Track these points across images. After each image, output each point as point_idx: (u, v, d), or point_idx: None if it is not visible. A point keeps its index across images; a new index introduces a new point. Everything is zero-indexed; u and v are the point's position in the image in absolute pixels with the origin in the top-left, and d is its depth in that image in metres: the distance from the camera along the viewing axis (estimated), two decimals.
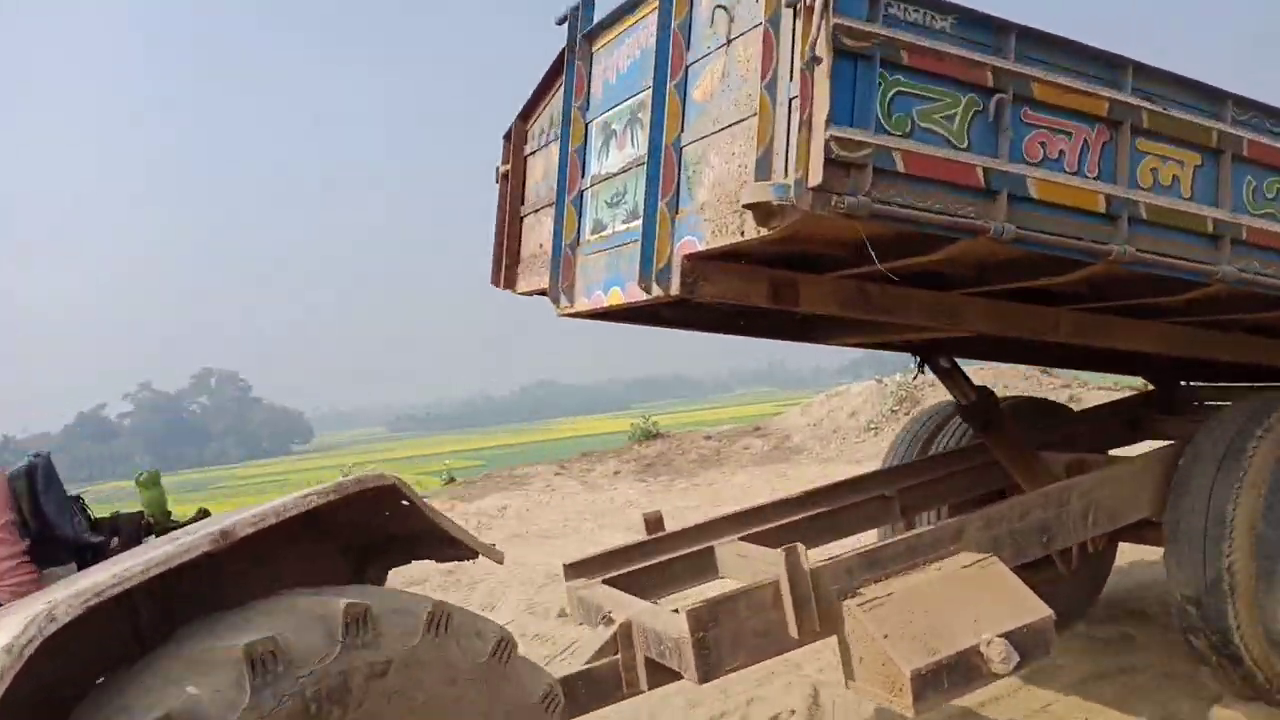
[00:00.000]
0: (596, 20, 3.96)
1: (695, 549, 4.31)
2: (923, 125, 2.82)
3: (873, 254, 2.86)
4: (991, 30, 2.95)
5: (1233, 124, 3.43)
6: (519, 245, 4.64)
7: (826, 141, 2.61)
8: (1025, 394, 9.71)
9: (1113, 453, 5.38)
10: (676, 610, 3.31)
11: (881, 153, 2.70)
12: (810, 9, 2.61)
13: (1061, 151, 3.07)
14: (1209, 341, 4.43)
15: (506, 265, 4.64)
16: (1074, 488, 4.04)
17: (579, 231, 3.98)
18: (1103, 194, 3.09)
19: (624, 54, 3.79)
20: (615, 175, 3.72)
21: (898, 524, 4.90)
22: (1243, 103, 3.47)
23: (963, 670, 3.06)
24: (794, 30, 2.69)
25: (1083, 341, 4.13)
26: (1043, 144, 3.03)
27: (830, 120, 2.62)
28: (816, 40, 2.60)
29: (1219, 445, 4.11)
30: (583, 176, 3.99)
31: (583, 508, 11.78)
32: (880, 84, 2.74)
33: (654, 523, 4.39)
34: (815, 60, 2.62)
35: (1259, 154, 3.49)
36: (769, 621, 3.22)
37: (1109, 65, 3.16)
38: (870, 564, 3.44)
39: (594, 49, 4.03)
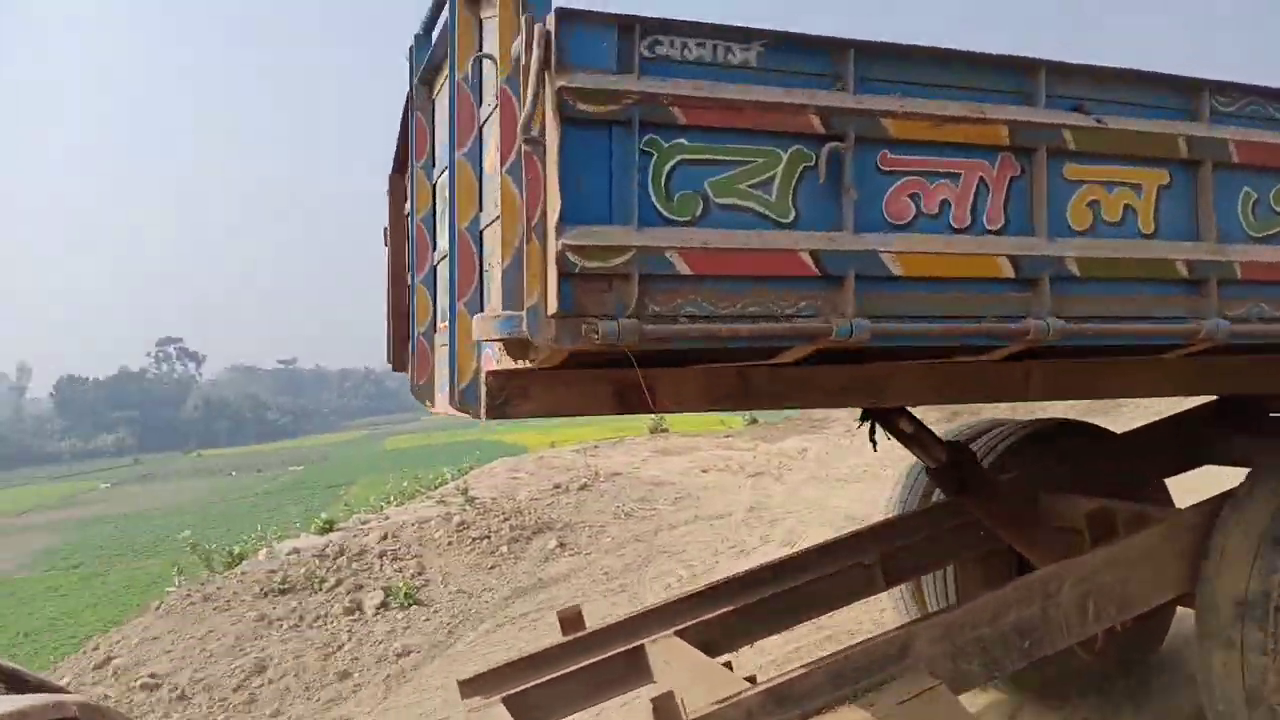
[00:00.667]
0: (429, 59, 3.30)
1: (622, 649, 3.64)
2: (723, 202, 2.08)
3: (640, 379, 2.15)
4: (821, 54, 2.16)
5: (1213, 121, 2.54)
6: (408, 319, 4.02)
7: (560, 252, 1.91)
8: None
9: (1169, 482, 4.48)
10: None
11: (650, 255, 1.98)
12: (527, 67, 1.91)
13: (945, 203, 2.26)
14: (1248, 374, 3.47)
15: (396, 341, 4.02)
16: (1065, 575, 3.17)
17: (433, 317, 3.35)
18: (1005, 255, 2.28)
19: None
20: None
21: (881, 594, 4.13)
22: (1228, 90, 2.57)
23: None
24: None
25: (1063, 398, 3.26)
26: (914, 197, 2.24)
27: (563, 221, 1.92)
28: (533, 113, 1.89)
29: (1271, 503, 3.20)
30: (433, 250, 3.35)
31: (882, 454, 11.44)
32: (652, 155, 2.02)
33: (570, 621, 3.75)
34: (534, 141, 1.91)
35: (1257, 156, 2.58)
36: None
37: (1008, 73, 2.33)
38: (779, 700, 2.71)
39: (433, 95, 3.37)
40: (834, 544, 4.21)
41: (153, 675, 6.08)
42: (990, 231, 2.29)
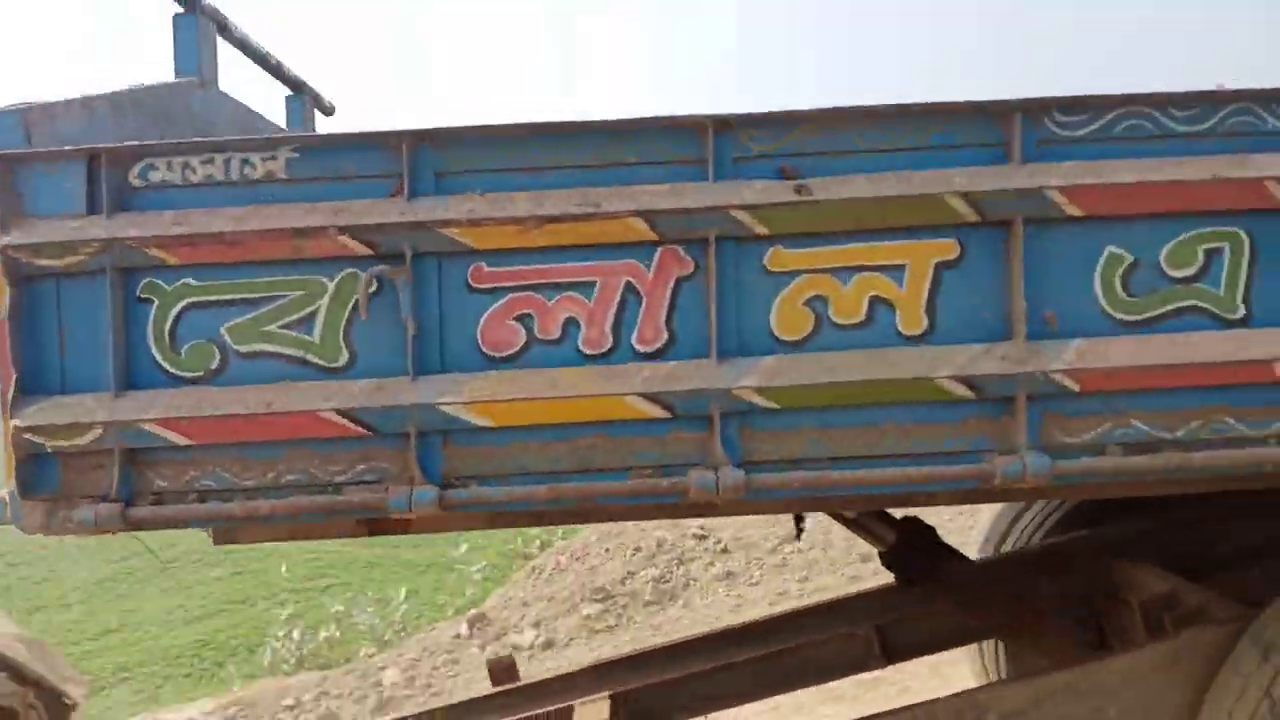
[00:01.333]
0: None
1: (549, 709, 3.32)
2: (246, 349, 1.71)
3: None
4: (368, 151, 1.70)
5: (1041, 158, 1.72)
6: None
7: (16, 432, 1.67)
8: None
9: None
10: None
11: (128, 429, 1.67)
12: None
13: (570, 323, 1.72)
14: None
15: None
16: (991, 705, 2.42)
17: None
18: (639, 394, 1.69)
19: None
20: None
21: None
22: (1082, 106, 1.73)
23: None
24: None
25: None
26: (524, 319, 1.72)
27: (20, 394, 1.66)
28: None
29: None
30: None
31: None
32: (152, 302, 1.70)
33: (502, 671, 3.46)
34: None
35: (1126, 201, 1.72)
36: None
37: (655, 138, 1.71)
38: None
39: None
40: (825, 606, 3.57)
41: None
42: (643, 355, 1.71)
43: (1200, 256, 1.74)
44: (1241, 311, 1.73)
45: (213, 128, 2.36)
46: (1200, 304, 1.74)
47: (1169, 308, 1.75)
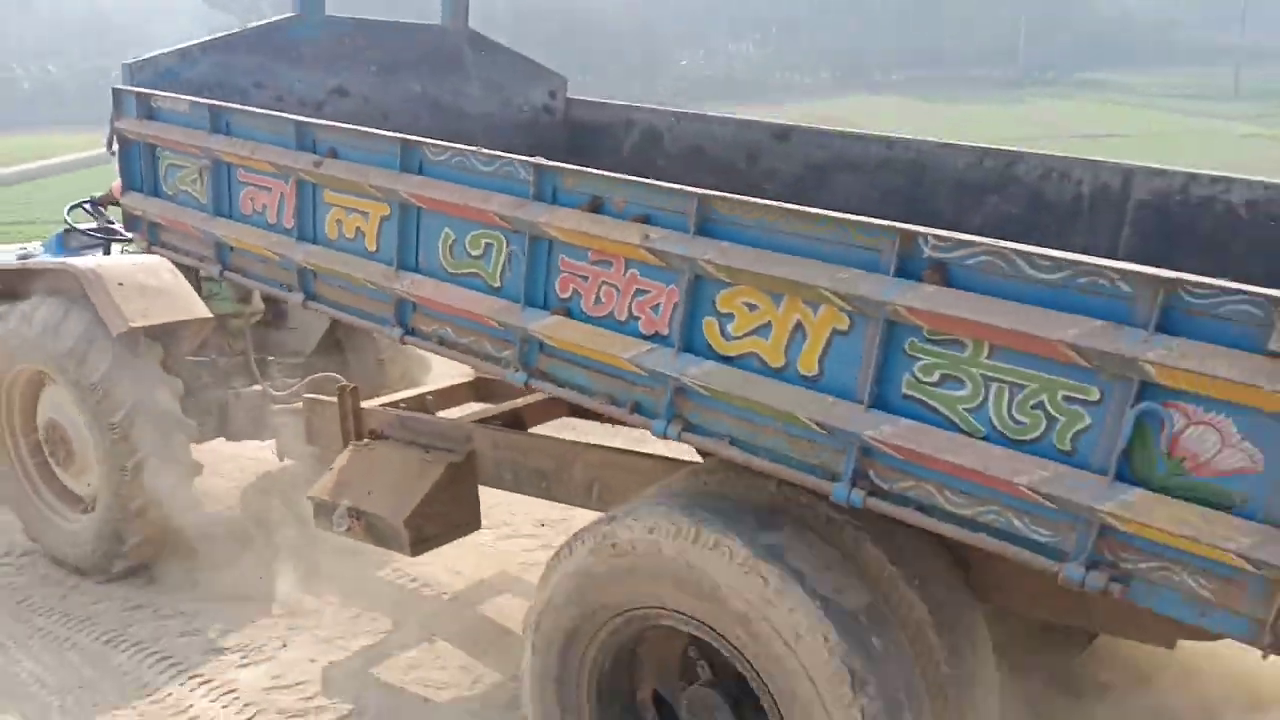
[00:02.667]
0: None
1: None
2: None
3: None
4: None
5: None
6: None
7: (126, 206, 4.08)
8: None
9: None
10: None
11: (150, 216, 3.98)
12: None
13: (264, 205, 3.52)
14: None
15: None
16: (578, 455, 3.52)
17: None
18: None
19: None
20: None
21: None
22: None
23: (326, 514, 3.76)
24: None
25: None
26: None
27: (126, 188, 4.06)
28: None
29: None
30: None
31: None
32: (154, 157, 3.92)
33: None
34: None
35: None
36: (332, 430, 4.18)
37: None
38: (404, 425, 3.92)
39: None
40: None
41: None
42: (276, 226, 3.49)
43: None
44: None
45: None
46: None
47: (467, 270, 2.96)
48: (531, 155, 2.81)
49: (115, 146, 4.03)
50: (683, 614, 2.64)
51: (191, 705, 3.94)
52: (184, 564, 4.79)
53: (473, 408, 4.41)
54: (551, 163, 2.74)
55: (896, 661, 2.50)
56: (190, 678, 4.10)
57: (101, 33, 76.05)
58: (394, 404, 4.19)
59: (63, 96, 64.64)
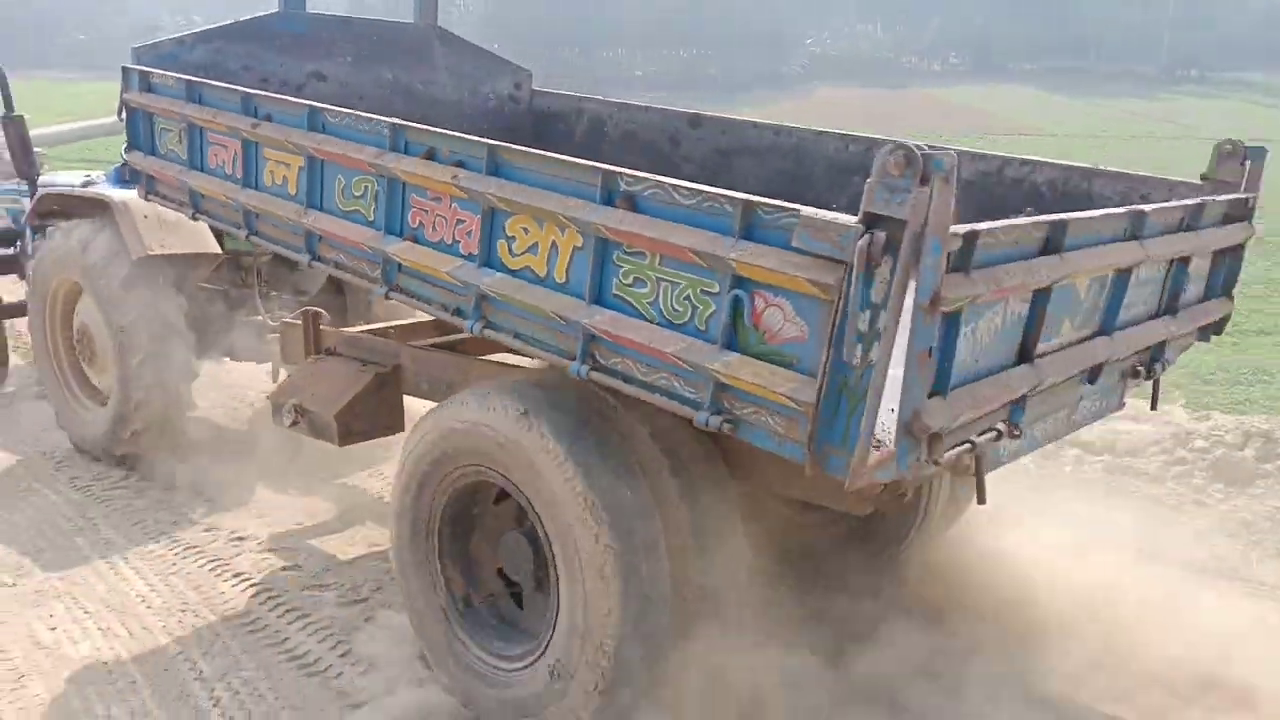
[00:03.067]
0: None
1: None
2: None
3: None
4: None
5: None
6: None
7: (130, 160, 5.06)
8: None
9: None
10: None
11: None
12: None
13: (222, 160, 4.44)
14: None
15: None
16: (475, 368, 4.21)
17: None
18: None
19: None
20: None
21: None
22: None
23: (277, 411, 4.55)
24: None
25: None
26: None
27: (131, 148, 5.03)
28: None
29: None
30: None
31: None
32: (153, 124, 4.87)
33: None
34: None
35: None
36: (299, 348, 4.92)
37: None
38: (350, 343, 4.68)
39: None
40: None
41: None
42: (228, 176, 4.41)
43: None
44: None
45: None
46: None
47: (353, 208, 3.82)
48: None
49: (123, 114, 5.00)
50: (496, 470, 3.47)
51: (288, 639, 4.26)
52: (292, 502, 5.54)
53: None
54: (403, 122, 3.59)
55: (643, 515, 3.25)
56: (288, 611, 4.48)
57: None
58: (364, 333, 5.02)
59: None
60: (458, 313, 3.51)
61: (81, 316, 5.89)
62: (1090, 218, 3.00)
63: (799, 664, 3.70)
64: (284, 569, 4.90)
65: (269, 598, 4.62)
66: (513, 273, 3.28)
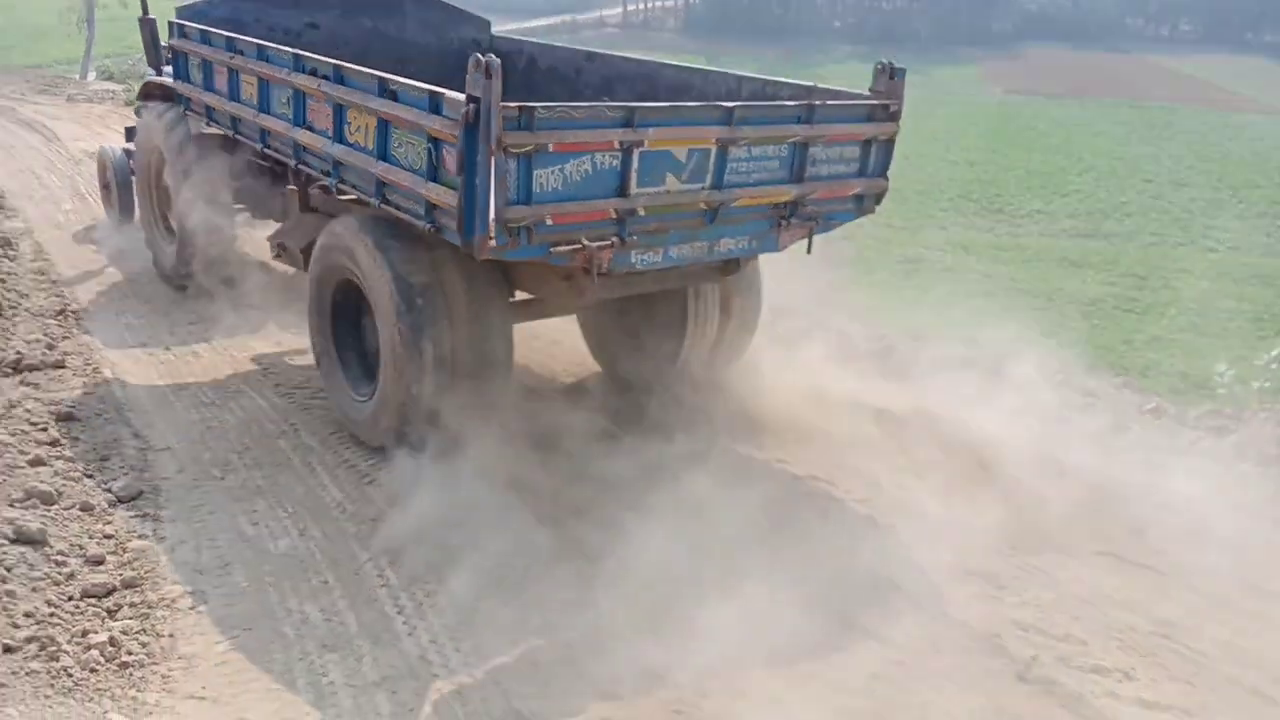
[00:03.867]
0: None
1: None
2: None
3: None
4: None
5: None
6: None
7: (147, 83, 7.29)
8: None
9: None
10: None
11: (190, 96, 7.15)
12: None
13: (223, 84, 6.57)
14: None
15: None
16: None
17: None
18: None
19: None
20: None
21: None
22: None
23: (271, 246, 7.24)
24: None
25: None
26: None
27: (166, 70, 7.25)
28: None
29: None
30: None
31: None
32: (184, 61, 7.07)
33: None
34: None
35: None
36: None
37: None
38: (323, 202, 6.26)
39: None
40: None
41: None
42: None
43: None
44: None
45: None
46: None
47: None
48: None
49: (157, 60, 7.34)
50: (350, 268, 5.42)
51: None
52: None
53: None
54: (301, 52, 5.58)
55: (432, 309, 5.08)
56: None
57: None
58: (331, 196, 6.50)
59: None
60: (327, 174, 5.49)
61: (165, 177, 7.97)
62: (661, 106, 4.74)
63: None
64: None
65: None
66: (349, 145, 5.21)
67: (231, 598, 4.20)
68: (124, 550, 4.46)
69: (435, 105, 4.45)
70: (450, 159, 4.39)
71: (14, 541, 4.23)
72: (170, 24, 7.15)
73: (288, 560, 4.49)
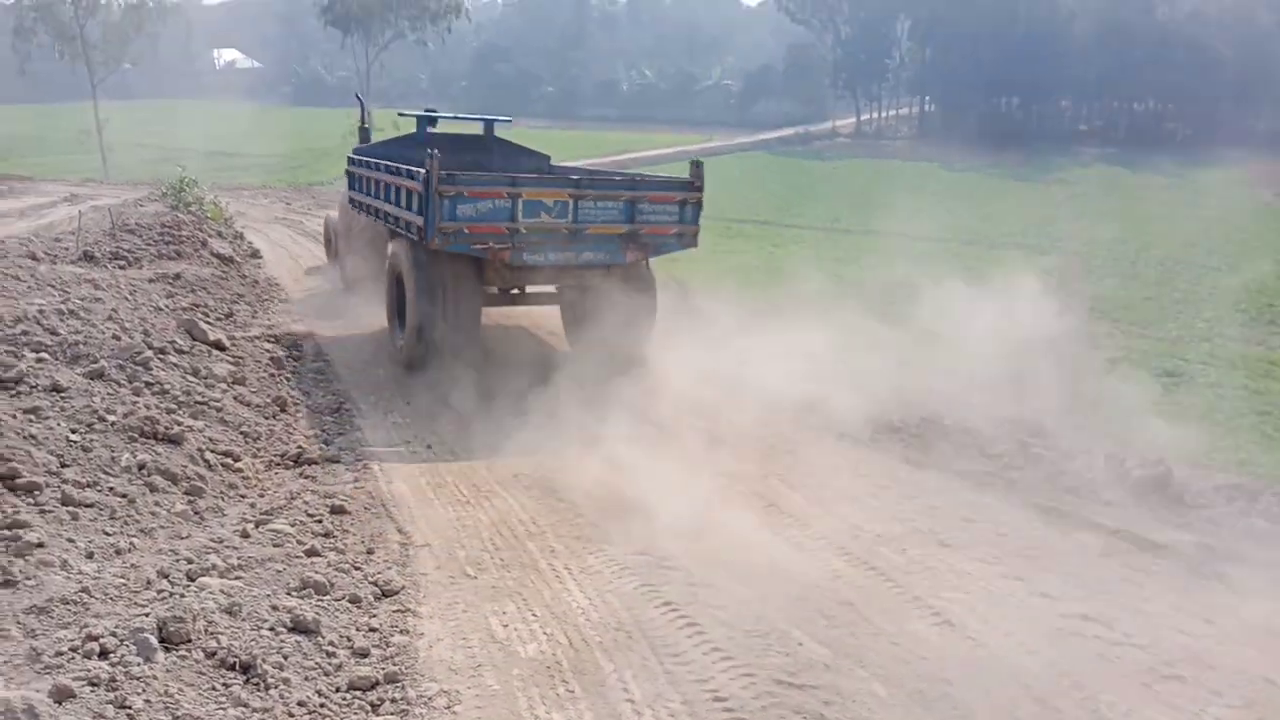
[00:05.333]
0: None
1: None
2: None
3: None
4: None
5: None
6: None
7: None
8: None
9: None
10: None
11: None
12: None
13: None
14: None
15: None
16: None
17: None
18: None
19: None
20: None
21: None
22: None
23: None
24: None
25: None
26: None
27: None
28: None
29: None
30: None
31: None
32: None
33: None
34: None
35: None
36: None
37: None
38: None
39: None
40: None
41: None
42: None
43: None
44: None
45: None
46: None
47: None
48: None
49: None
50: (401, 270, 9.29)
51: (713, 679, 4.42)
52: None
53: None
54: (393, 164, 9.64)
55: (432, 283, 8.80)
56: (714, 650, 4.64)
57: (692, 41, 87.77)
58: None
59: (654, 98, 76.64)
60: (396, 223, 9.32)
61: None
62: (530, 176, 9.84)
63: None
64: (710, 606, 5.02)
65: (695, 631, 4.78)
66: (397, 205, 9.27)
67: (483, 700, 4.24)
68: (387, 644, 4.61)
69: (414, 176, 8.54)
70: (418, 200, 8.49)
71: (291, 630, 4.44)
72: (348, 157, 12.06)
73: (535, 665, 4.51)
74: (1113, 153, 50.31)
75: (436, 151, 8.20)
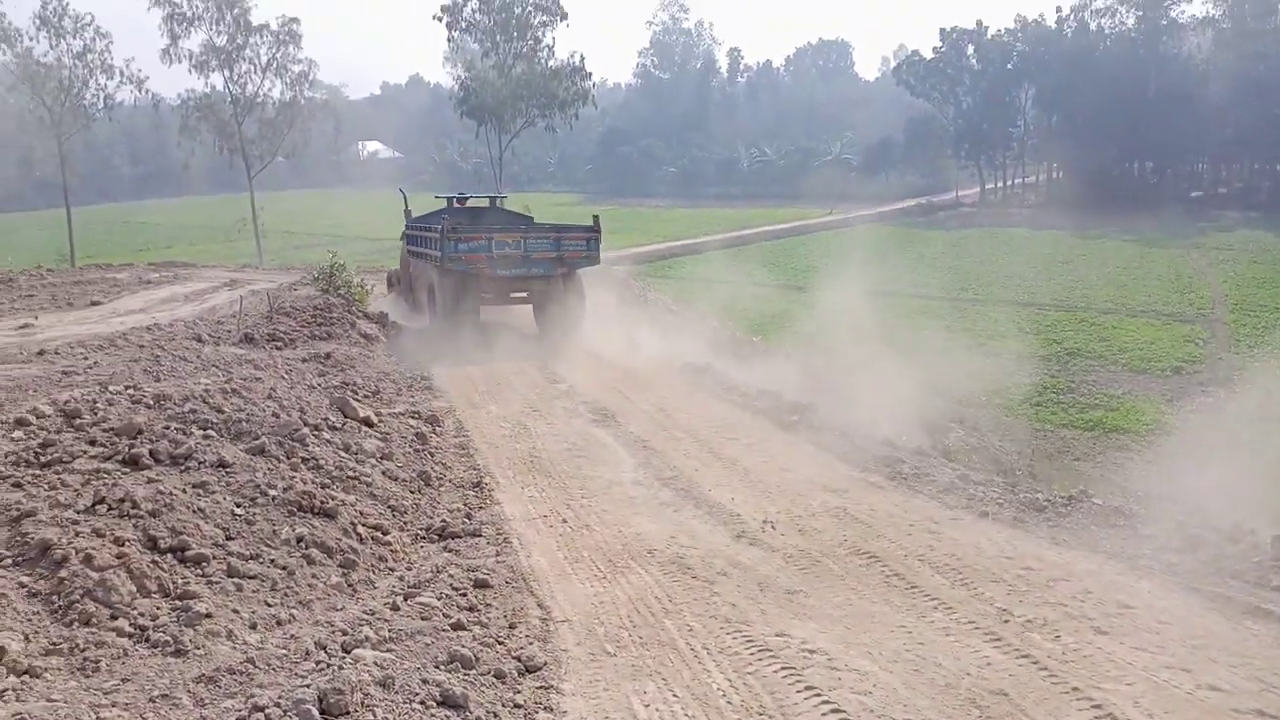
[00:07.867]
0: None
1: None
2: None
3: None
4: None
5: None
6: None
7: None
8: None
9: None
10: None
11: None
12: None
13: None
14: None
15: None
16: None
17: None
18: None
19: None
20: None
21: None
22: None
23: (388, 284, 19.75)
24: None
25: None
26: None
27: None
28: None
29: None
30: None
31: None
32: None
33: None
34: None
35: None
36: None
37: None
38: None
39: None
40: None
41: None
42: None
43: None
44: None
45: None
46: None
47: None
48: None
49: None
50: (429, 280, 17.41)
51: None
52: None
53: None
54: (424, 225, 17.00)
55: (444, 280, 15.97)
56: None
57: (811, 117, 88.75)
58: None
59: (774, 174, 77.72)
60: (428, 257, 16.86)
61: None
62: (498, 228, 16.89)
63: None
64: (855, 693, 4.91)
65: (838, 717, 4.69)
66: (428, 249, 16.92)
67: None
68: None
69: (437, 230, 15.72)
70: (438, 242, 15.64)
71: (440, 704, 4.53)
72: (404, 229, 18.78)
73: None
74: (1255, 216, 47.78)
75: (447, 217, 16.53)
